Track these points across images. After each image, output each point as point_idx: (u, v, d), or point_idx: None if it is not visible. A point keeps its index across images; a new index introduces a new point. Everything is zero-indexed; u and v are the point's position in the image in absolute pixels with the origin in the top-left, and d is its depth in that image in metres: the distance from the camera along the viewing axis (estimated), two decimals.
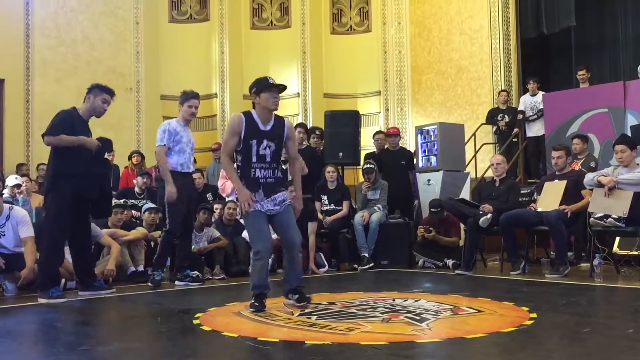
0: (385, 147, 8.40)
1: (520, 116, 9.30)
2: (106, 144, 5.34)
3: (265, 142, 4.11)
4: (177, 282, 5.81)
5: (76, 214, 5.11)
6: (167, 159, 5.65)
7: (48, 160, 5.30)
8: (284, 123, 4.29)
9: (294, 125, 8.76)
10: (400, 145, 8.69)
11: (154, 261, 5.82)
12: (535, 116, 9.10)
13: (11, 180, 7.37)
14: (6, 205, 5.57)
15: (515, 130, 9.38)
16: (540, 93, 9.17)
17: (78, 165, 5.03)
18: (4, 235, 5.46)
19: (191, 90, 5.93)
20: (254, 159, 4.10)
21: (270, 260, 6.74)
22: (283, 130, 4.24)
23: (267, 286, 4.21)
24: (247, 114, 4.18)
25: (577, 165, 6.86)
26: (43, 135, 5.22)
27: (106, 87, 5.28)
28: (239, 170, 4.17)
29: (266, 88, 4.12)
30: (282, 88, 4.23)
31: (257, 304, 4.07)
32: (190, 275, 5.83)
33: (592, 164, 6.99)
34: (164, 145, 5.66)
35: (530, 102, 9.27)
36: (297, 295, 4.25)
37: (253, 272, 4.19)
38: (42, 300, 4.92)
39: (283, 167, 4.39)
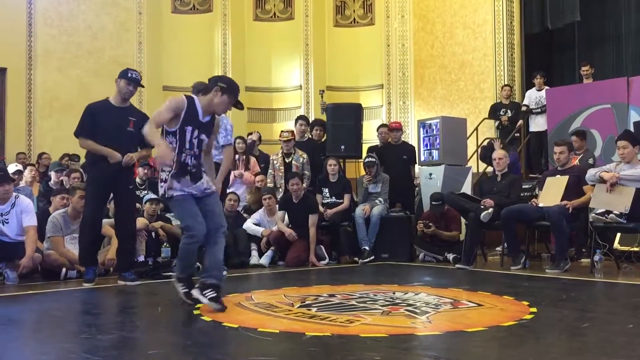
0: (388, 140, 8.38)
1: (524, 108, 9.28)
2: None
3: (196, 132, 3.98)
4: None
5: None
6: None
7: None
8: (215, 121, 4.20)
9: (296, 117, 8.81)
10: (403, 139, 8.67)
11: None
12: (539, 110, 9.08)
13: (11, 168, 7.38)
14: (13, 194, 5.60)
15: (519, 122, 9.36)
16: (546, 88, 9.15)
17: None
18: (7, 222, 5.48)
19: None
20: (187, 145, 3.96)
21: (270, 253, 6.84)
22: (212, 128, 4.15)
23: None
24: (190, 98, 4.02)
25: (575, 161, 6.86)
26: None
27: (127, 71, 5.32)
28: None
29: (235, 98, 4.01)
30: (239, 106, 4.11)
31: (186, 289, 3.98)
32: None
33: (590, 161, 6.99)
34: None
35: (535, 96, 9.25)
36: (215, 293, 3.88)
37: (186, 257, 4.04)
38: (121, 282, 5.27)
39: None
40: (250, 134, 9.17)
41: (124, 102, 5.34)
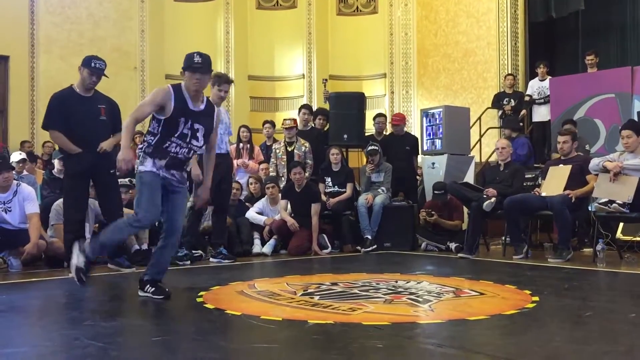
0: (385, 132, 8.37)
1: (527, 98, 9.26)
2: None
3: (190, 122, 3.86)
4: (211, 259, 6.04)
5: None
6: None
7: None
8: (214, 111, 4.05)
9: (300, 106, 8.78)
10: (406, 130, 8.63)
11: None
12: (542, 100, 9.05)
13: (15, 156, 7.38)
14: (14, 182, 5.61)
15: (523, 112, 9.34)
16: (549, 78, 9.11)
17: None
18: (10, 210, 5.50)
19: (226, 74, 5.96)
20: (177, 135, 3.84)
21: (273, 242, 6.86)
22: (212, 116, 4.01)
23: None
24: (177, 88, 3.91)
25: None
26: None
27: (90, 61, 5.14)
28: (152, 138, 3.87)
29: (188, 67, 3.91)
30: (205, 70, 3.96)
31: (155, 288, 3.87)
32: (223, 253, 6.00)
33: (587, 147, 6.99)
34: None
35: (538, 86, 9.21)
36: (153, 288, 3.90)
37: (116, 233, 3.86)
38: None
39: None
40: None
41: (89, 92, 5.20)
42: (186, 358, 2.54)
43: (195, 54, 4.01)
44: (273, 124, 8.78)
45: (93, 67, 5.09)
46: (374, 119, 8.48)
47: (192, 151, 3.97)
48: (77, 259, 3.72)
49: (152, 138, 3.86)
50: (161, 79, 11.28)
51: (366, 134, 8.52)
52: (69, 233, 5.15)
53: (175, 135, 3.85)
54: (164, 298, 3.82)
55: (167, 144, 3.85)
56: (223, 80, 5.80)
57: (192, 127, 3.89)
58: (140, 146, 3.97)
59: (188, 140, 3.89)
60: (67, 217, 5.22)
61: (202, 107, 3.94)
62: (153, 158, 3.84)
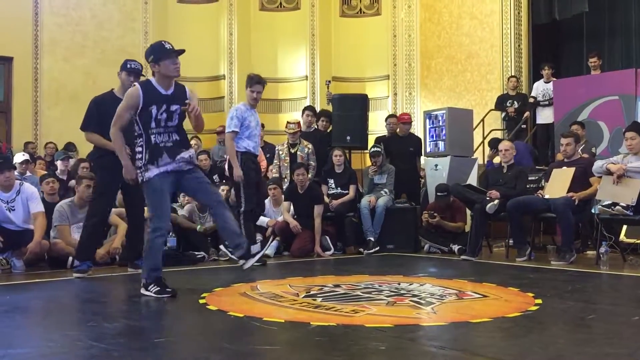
0: (396, 132, 8.38)
1: (531, 100, 9.25)
2: None
3: (164, 107, 4.01)
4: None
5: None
6: (237, 143, 5.79)
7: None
8: (185, 89, 4.24)
9: (302, 108, 8.78)
10: (410, 131, 8.64)
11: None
12: (547, 102, 9.04)
13: (18, 157, 7.40)
14: (17, 181, 5.63)
15: (526, 114, 9.33)
16: (553, 80, 9.10)
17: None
18: (14, 210, 5.51)
19: (257, 75, 6.00)
20: (153, 124, 3.98)
21: (275, 243, 6.86)
22: (185, 95, 4.16)
23: (160, 268, 4.07)
24: (145, 82, 4.12)
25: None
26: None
27: (126, 62, 5.33)
28: (141, 140, 4.00)
29: (166, 55, 4.08)
30: (181, 52, 4.16)
31: (160, 288, 3.95)
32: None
33: (593, 150, 6.97)
34: (232, 131, 5.79)
35: (543, 88, 9.20)
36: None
37: (152, 253, 3.98)
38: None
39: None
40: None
41: None
42: None
43: (162, 42, 4.20)
44: (262, 126, 8.79)
45: (129, 68, 5.26)
46: (386, 119, 8.51)
47: (169, 134, 4.05)
48: (153, 292, 3.94)
49: (141, 140, 3.99)
50: None
51: (377, 136, 8.54)
52: (85, 227, 5.18)
53: (153, 125, 3.97)
54: (171, 296, 3.89)
55: (153, 139, 3.97)
56: (254, 81, 5.89)
57: (168, 110, 4.03)
58: (137, 157, 4.03)
59: (164, 124, 4.02)
60: (91, 207, 5.24)
61: (171, 90, 4.10)
62: (154, 162, 3.95)
